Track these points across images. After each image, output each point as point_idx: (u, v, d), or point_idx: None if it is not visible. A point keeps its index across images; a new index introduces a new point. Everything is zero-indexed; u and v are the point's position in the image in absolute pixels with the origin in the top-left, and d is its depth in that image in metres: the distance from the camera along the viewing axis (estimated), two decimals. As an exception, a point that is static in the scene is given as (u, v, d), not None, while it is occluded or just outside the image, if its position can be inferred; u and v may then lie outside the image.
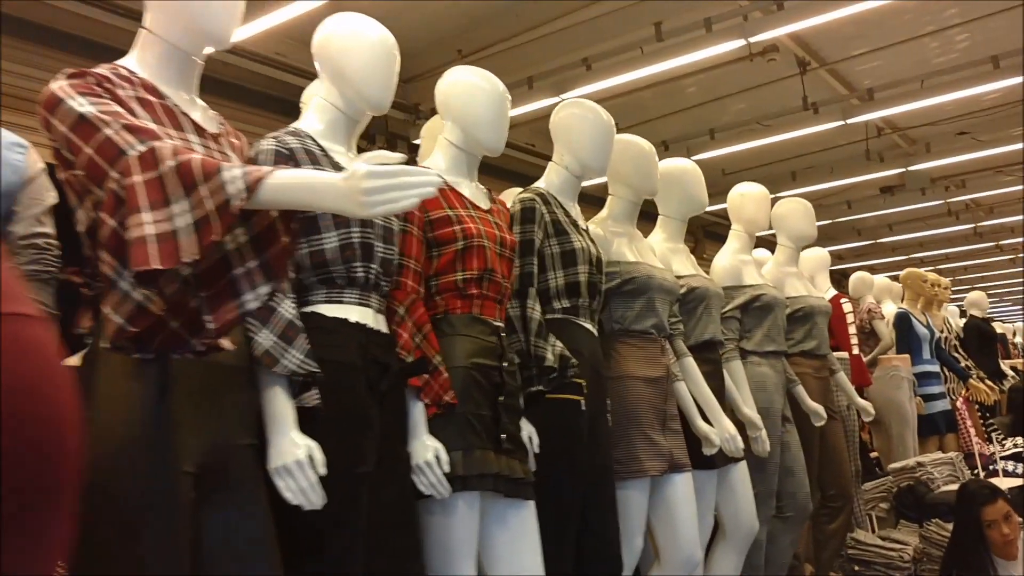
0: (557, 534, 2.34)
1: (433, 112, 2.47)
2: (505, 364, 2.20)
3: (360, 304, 1.91)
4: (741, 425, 3.54)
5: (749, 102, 8.30)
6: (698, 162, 3.50)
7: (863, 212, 12.36)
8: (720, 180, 8.61)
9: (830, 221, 12.38)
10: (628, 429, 2.78)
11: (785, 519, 3.80)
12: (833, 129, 8.24)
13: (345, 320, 1.86)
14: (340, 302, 1.88)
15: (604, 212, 3.04)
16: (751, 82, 7.77)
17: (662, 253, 3.27)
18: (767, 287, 3.79)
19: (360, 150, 2.06)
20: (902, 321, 6.73)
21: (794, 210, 4.20)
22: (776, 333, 3.78)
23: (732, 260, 3.78)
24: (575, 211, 2.69)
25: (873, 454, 6.71)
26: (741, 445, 3.11)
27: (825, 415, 3.93)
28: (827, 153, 9.97)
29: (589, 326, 2.59)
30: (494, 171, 7.06)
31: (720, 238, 4.50)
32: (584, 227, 2.70)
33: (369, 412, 1.82)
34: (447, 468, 2.00)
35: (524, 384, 2.39)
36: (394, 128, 7.28)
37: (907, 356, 6.53)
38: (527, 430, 2.34)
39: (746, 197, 3.87)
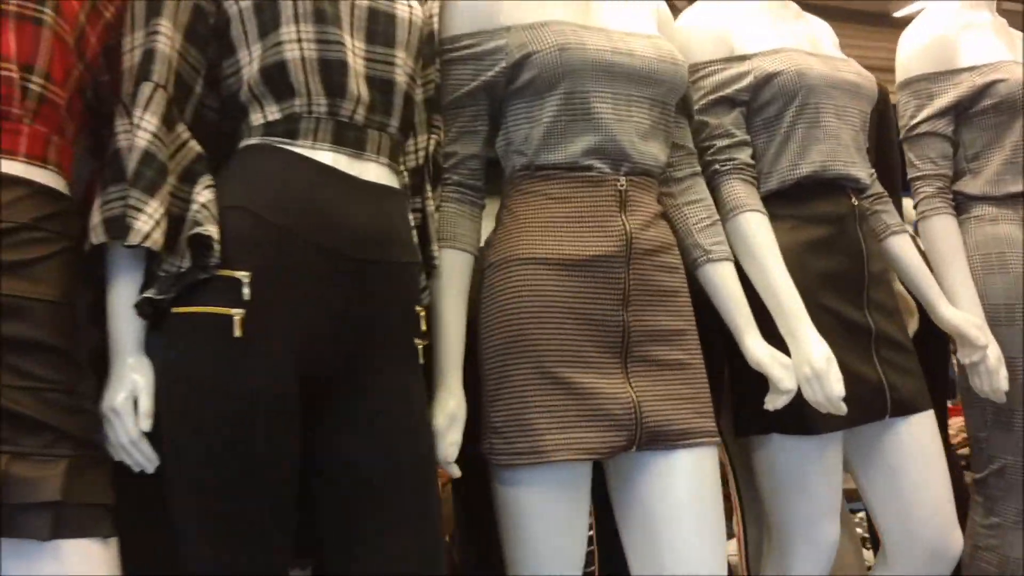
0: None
1: None
2: None
3: None
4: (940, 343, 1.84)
5: None
6: None
7: None
8: None
9: None
10: (509, 369, 1.35)
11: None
12: None
13: None
14: None
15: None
16: None
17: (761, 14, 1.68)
18: (1010, 67, 1.91)
19: None
20: None
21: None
22: (1036, 157, 1.91)
23: (936, 28, 1.96)
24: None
25: None
26: (840, 390, 1.47)
27: None
28: None
29: (337, 162, 1.19)
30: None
31: None
32: None
33: None
34: None
35: (144, 286, 1.15)
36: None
37: None
38: (129, 386, 1.10)
39: None
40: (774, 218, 1.63)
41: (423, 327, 1.27)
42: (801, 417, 1.54)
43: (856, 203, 1.69)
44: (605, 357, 1.37)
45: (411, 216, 1.36)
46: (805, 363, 1.48)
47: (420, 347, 1.26)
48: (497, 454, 1.35)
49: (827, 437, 1.59)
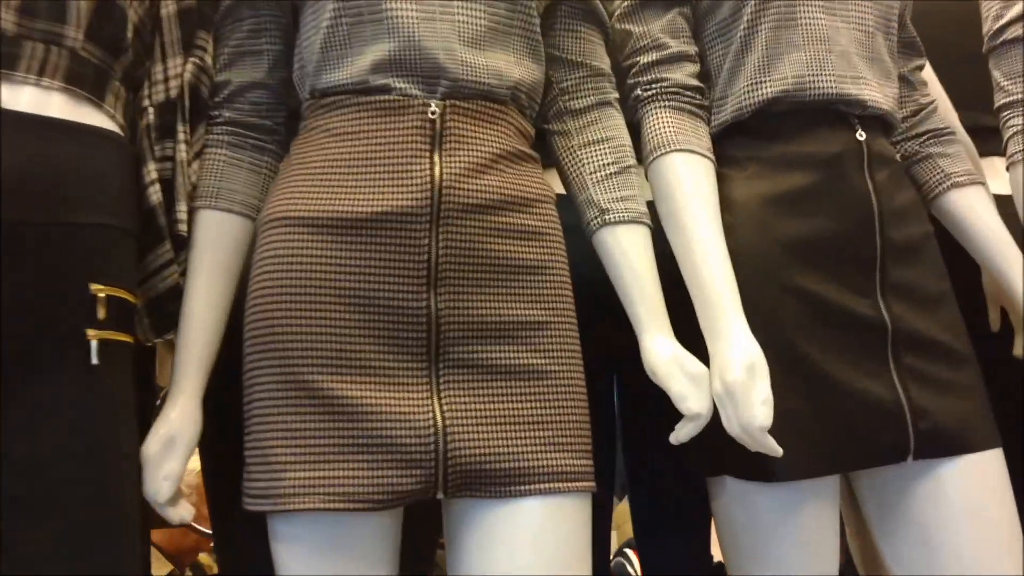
0: None
1: None
2: None
3: None
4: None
5: None
6: None
7: None
8: None
9: None
10: (255, 377, 0.96)
11: None
12: None
13: None
14: None
15: None
16: None
17: None
18: None
19: None
20: None
21: None
22: None
23: None
24: None
25: None
26: (761, 419, 0.94)
27: None
28: None
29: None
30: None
31: None
32: None
33: None
34: None
35: None
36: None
37: None
38: None
39: None
40: (727, 163, 1.13)
41: (101, 314, 0.91)
42: (758, 456, 1.03)
43: (864, 138, 1.13)
44: (399, 360, 0.94)
45: (153, 166, 1.02)
46: (717, 374, 0.98)
47: (95, 341, 0.90)
48: (244, 495, 0.96)
49: (804, 486, 1.07)
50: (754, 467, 1.06)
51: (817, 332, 1.07)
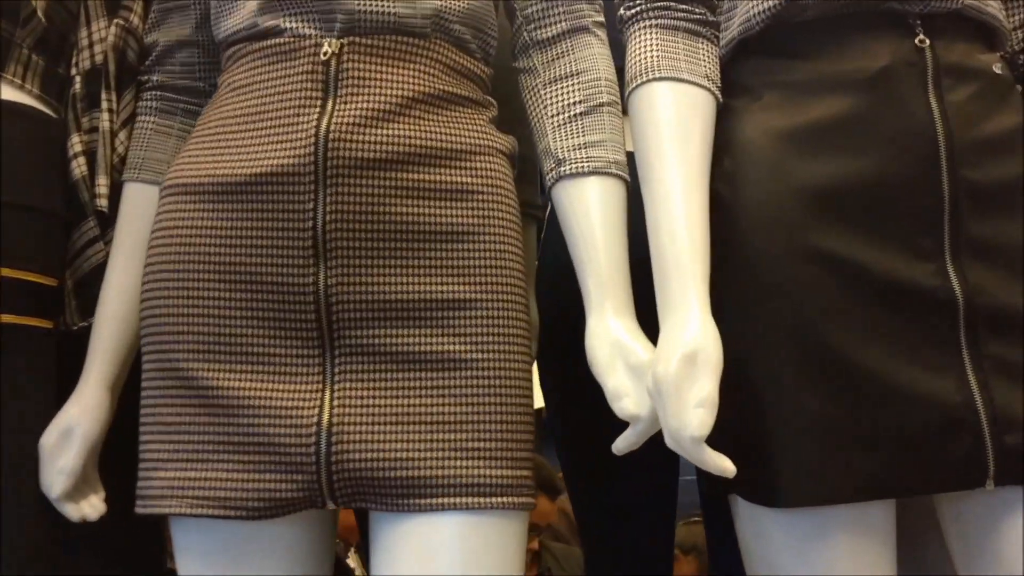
0: None
1: None
2: None
3: None
4: None
5: None
6: None
7: None
8: None
9: None
10: (144, 365, 0.86)
11: None
12: None
13: None
14: None
15: None
16: None
17: None
18: None
19: None
20: None
21: None
22: None
23: None
24: None
25: None
26: (691, 427, 0.69)
27: None
28: None
29: None
30: None
31: None
32: None
33: None
34: None
35: None
36: None
37: None
38: None
39: None
40: (736, 92, 0.88)
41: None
42: (766, 473, 0.79)
43: (927, 44, 0.83)
44: (286, 347, 0.81)
45: (78, 138, 0.96)
46: (652, 366, 0.75)
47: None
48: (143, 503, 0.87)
49: (833, 514, 0.80)
50: (760, 487, 0.81)
51: (853, 312, 0.80)
